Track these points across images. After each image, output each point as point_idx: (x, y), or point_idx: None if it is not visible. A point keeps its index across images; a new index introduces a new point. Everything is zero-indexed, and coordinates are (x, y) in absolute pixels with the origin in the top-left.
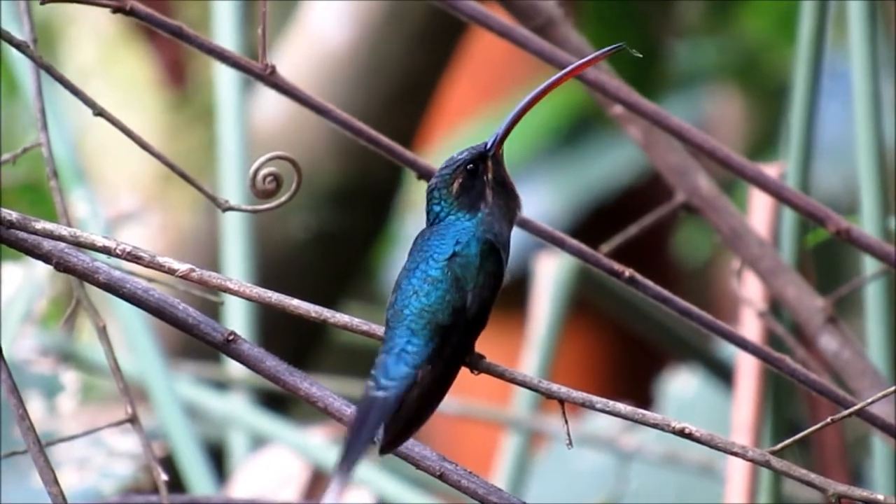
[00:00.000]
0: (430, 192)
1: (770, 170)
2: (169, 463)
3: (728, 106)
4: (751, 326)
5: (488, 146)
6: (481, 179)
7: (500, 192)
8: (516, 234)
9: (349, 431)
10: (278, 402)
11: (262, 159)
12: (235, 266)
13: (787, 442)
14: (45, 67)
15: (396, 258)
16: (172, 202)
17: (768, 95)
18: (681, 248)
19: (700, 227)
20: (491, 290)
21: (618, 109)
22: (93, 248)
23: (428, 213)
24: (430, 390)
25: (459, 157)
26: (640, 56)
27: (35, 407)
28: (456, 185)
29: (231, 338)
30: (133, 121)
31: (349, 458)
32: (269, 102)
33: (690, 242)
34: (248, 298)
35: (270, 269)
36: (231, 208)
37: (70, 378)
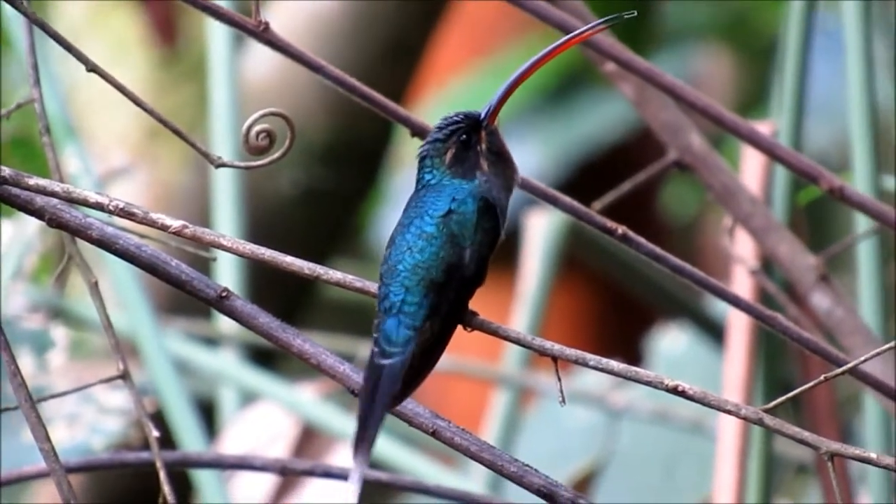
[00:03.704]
0: (420, 160)
1: (762, 127)
2: (159, 419)
3: (717, 63)
4: (742, 284)
5: (482, 117)
6: (475, 150)
7: (495, 162)
8: None
9: (362, 404)
10: (268, 358)
11: (255, 116)
12: (226, 222)
13: (779, 400)
14: (39, 23)
15: (386, 215)
16: (161, 159)
17: (757, 53)
18: (669, 204)
19: (689, 183)
20: (489, 247)
21: (610, 67)
22: (86, 204)
23: (418, 180)
24: (428, 348)
25: (451, 122)
26: (636, 16)
27: (25, 363)
28: (449, 156)
29: (224, 294)
30: (122, 77)
31: (368, 435)
32: (259, 59)
33: (679, 199)
34: (242, 255)
35: (260, 226)
36: (224, 164)
37: (60, 334)
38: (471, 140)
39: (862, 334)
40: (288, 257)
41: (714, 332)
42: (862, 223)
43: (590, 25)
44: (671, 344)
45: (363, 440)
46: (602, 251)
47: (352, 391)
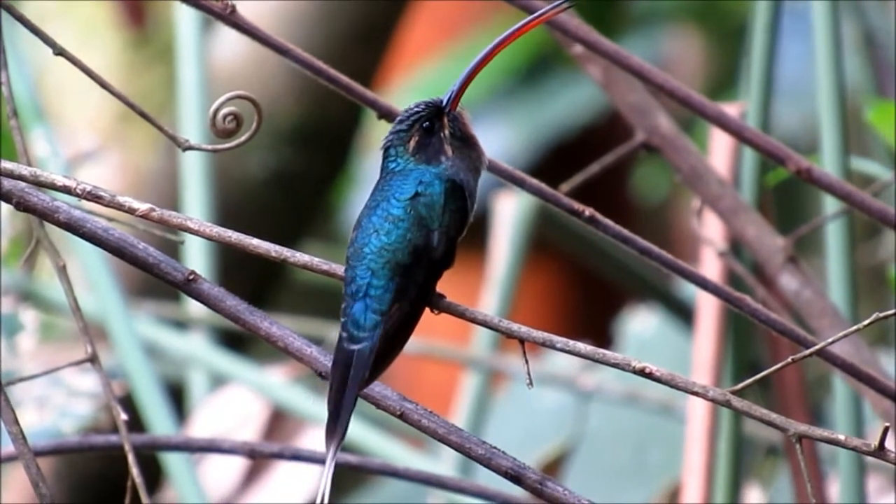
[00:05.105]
0: (385, 151)
1: (731, 109)
2: (128, 402)
3: (686, 45)
4: (711, 266)
5: (444, 103)
6: (438, 136)
7: (460, 147)
8: None
9: (332, 390)
10: (237, 341)
11: (222, 99)
12: (195, 206)
13: (747, 382)
14: (6, 7)
15: (355, 197)
16: (131, 142)
17: (727, 35)
18: (638, 187)
19: (658, 165)
20: (457, 230)
21: (578, 49)
22: (53, 187)
23: (382, 170)
24: (396, 331)
25: (413, 111)
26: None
27: None
28: (412, 143)
29: (192, 277)
30: (92, 61)
31: (341, 422)
32: (228, 42)
33: (648, 181)
34: (209, 238)
35: (229, 209)
36: (191, 147)
37: (30, 317)
38: (433, 126)
39: (830, 316)
40: (255, 240)
41: (683, 313)
42: (830, 205)
43: (550, 6)
44: (641, 326)
45: (336, 427)
46: (571, 234)
47: (319, 374)
